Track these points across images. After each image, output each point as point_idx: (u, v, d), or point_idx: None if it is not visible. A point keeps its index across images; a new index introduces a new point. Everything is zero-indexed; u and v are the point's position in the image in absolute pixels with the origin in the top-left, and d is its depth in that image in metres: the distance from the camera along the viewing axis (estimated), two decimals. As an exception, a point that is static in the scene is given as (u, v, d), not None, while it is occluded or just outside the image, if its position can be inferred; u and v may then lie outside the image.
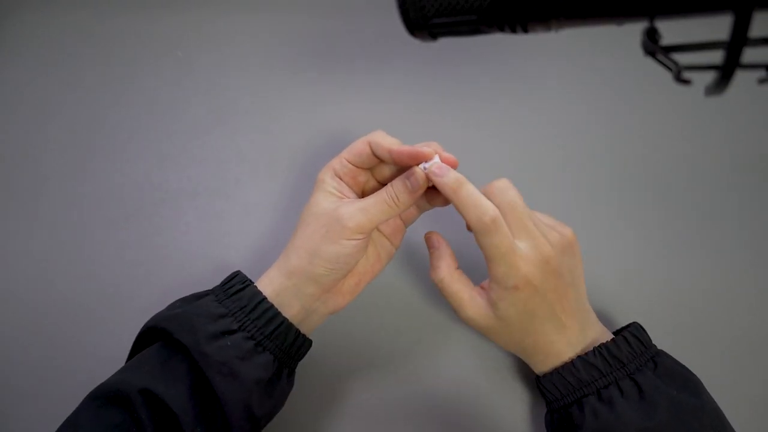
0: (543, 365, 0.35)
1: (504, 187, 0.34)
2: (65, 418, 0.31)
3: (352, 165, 0.35)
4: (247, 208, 0.46)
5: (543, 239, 0.33)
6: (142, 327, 0.34)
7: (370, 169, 0.37)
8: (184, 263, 0.44)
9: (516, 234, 0.33)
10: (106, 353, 0.41)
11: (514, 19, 0.23)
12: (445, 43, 0.49)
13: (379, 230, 0.38)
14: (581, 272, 0.36)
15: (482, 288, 0.35)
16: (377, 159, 0.35)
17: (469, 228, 0.34)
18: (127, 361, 0.34)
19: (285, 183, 0.47)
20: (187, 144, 0.49)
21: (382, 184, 0.36)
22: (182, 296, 0.36)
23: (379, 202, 0.33)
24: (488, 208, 0.32)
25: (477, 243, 0.33)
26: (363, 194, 0.37)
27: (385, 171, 0.37)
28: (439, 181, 0.33)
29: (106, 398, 0.31)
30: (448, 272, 0.35)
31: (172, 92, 0.51)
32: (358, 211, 0.33)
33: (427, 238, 0.37)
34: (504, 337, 0.35)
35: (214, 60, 0.52)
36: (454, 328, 0.42)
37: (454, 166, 0.34)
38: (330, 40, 0.53)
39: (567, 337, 0.34)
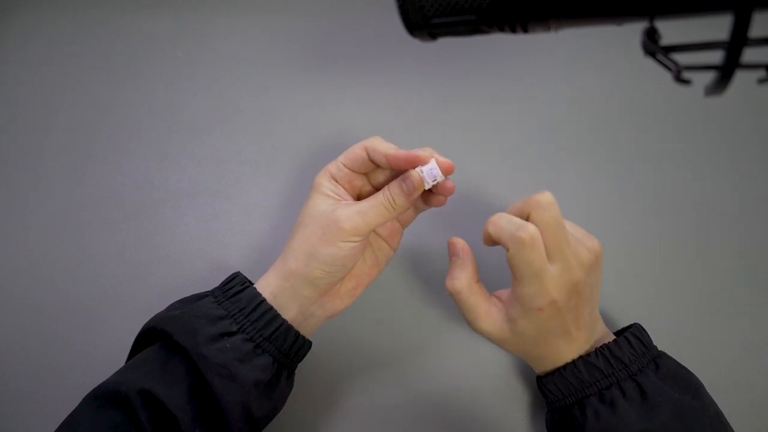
0: (546, 368, 0.35)
1: (548, 203, 0.32)
2: (64, 418, 0.31)
3: (349, 169, 0.35)
4: (247, 208, 0.46)
5: (574, 262, 0.32)
6: (142, 328, 0.34)
7: (366, 174, 0.37)
8: (183, 263, 0.44)
9: (551, 256, 0.32)
10: (106, 353, 0.41)
11: (514, 19, 0.23)
12: (446, 42, 0.49)
13: (376, 233, 0.38)
14: (599, 284, 0.36)
15: (498, 298, 0.35)
16: (373, 164, 0.35)
17: (487, 242, 0.34)
18: (126, 362, 0.34)
19: (285, 183, 0.47)
20: (187, 144, 0.49)
21: (377, 190, 0.36)
22: (182, 296, 0.36)
23: (375, 205, 0.33)
24: (524, 223, 0.31)
25: (508, 259, 0.32)
26: (358, 199, 0.37)
27: (381, 176, 0.37)
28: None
29: (106, 398, 0.31)
30: (467, 284, 0.34)
31: (172, 92, 0.50)
32: (355, 214, 0.33)
33: (451, 244, 0.36)
34: (514, 347, 0.35)
35: (214, 60, 0.52)
36: (454, 329, 0.42)
37: (450, 170, 0.34)
38: (330, 40, 0.53)
39: (575, 347, 0.34)
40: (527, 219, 0.33)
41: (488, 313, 0.34)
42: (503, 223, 0.32)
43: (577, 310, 0.33)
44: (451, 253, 0.36)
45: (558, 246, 0.32)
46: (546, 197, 0.32)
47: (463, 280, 0.34)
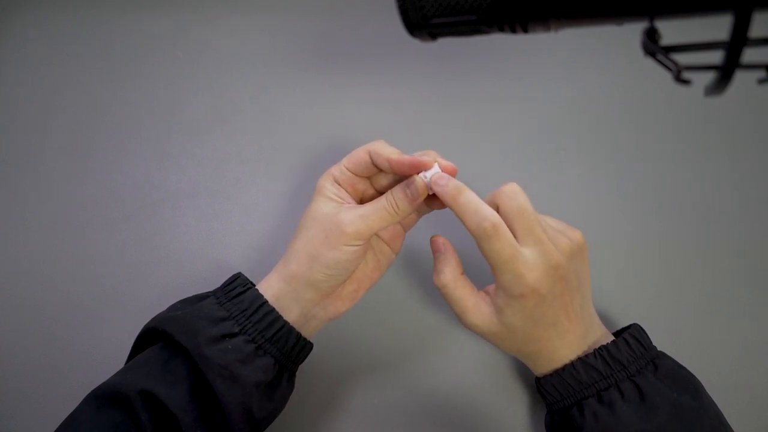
0: (543, 368, 0.35)
1: (513, 192, 0.33)
2: (64, 418, 0.31)
3: (351, 173, 0.35)
4: (246, 208, 0.46)
5: (551, 246, 0.32)
6: (143, 328, 0.34)
7: (369, 178, 0.37)
8: (183, 263, 0.44)
9: (523, 241, 0.32)
10: (106, 353, 0.41)
11: (514, 19, 0.23)
12: (446, 42, 0.49)
13: (378, 236, 0.38)
14: (588, 276, 0.36)
15: (486, 293, 0.35)
16: (376, 168, 0.35)
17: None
18: (127, 362, 0.34)
19: (285, 183, 0.47)
20: (187, 144, 0.49)
21: (380, 193, 0.36)
22: (182, 296, 0.36)
23: (378, 209, 0.33)
24: (488, 214, 0.31)
25: (479, 250, 0.32)
26: (361, 202, 0.37)
27: (383, 180, 0.36)
28: (438, 190, 0.33)
29: (107, 398, 0.31)
30: (452, 278, 0.35)
31: (172, 92, 0.50)
32: (357, 218, 0.33)
33: (433, 242, 0.36)
34: (507, 342, 0.35)
35: (214, 60, 0.52)
36: (454, 331, 0.42)
37: (453, 174, 0.34)
38: (330, 40, 0.53)
39: (569, 342, 0.34)
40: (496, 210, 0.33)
41: (476, 305, 0.34)
42: (470, 213, 0.32)
43: (564, 298, 0.33)
44: (434, 250, 0.36)
45: (529, 230, 0.32)
46: (511, 187, 0.33)
47: (447, 273, 0.35)
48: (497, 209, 0.33)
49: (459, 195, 0.32)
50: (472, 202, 0.32)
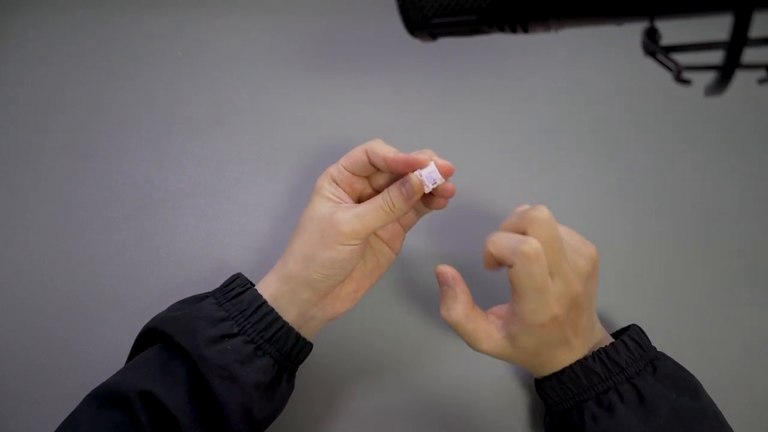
0: (544, 372, 0.35)
1: (544, 220, 0.31)
2: (64, 418, 0.31)
3: (349, 172, 0.35)
4: (247, 208, 0.46)
5: (573, 275, 0.32)
6: (142, 328, 0.34)
7: (367, 177, 0.36)
8: (183, 263, 0.44)
9: (551, 271, 0.31)
10: (106, 353, 0.41)
11: (514, 19, 0.23)
12: (446, 42, 0.49)
13: (377, 236, 0.38)
14: (596, 289, 0.35)
15: (496, 316, 0.34)
16: (374, 167, 0.35)
17: (489, 265, 0.33)
18: (127, 362, 0.34)
19: (285, 183, 0.47)
20: (187, 144, 0.49)
21: (379, 192, 0.36)
22: (182, 297, 0.36)
23: (374, 209, 0.33)
24: (528, 239, 0.30)
25: (511, 275, 0.31)
26: (359, 202, 0.37)
27: (381, 180, 0.36)
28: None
29: (106, 399, 0.31)
30: (464, 314, 0.33)
31: (172, 92, 0.50)
32: (353, 217, 0.33)
33: (440, 274, 0.34)
34: (514, 359, 0.34)
35: (214, 60, 0.52)
36: (454, 332, 0.42)
37: (449, 173, 0.33)
38: (330, 40, 0.53)
39: (573, 354, 0.34)
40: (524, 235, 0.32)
41: (488, 334, 0.33)
42: (503, 240, 0.31)
43: (576, 320, 0.33)
44: (441, 282, 0.35)
45: (557, 262, 0.31)
46: (543, 213, 0.31)
47: (459, 310, 0.33)
48: (524, 234, 0.32)
49: (489, 236, 0.32)
50: (501, 233, 0.32)
